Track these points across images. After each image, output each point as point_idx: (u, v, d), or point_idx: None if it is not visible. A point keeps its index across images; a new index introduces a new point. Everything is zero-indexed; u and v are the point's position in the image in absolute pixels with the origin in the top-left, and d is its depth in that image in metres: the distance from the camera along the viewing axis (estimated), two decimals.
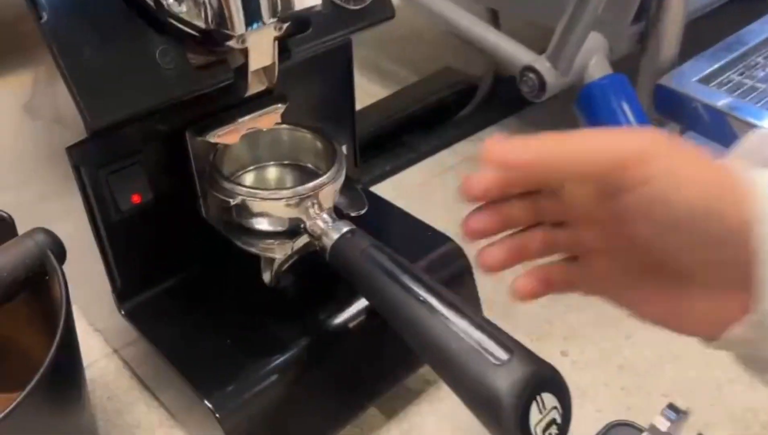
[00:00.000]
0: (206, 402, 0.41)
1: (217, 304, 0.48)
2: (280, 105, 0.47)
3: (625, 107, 0.58)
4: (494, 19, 0.78)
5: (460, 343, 0.31)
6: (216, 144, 0.45)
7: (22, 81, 0.42)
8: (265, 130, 0.45)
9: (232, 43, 0.38)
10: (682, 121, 0.60)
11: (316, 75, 0.51)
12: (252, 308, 0.47)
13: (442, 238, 0.52)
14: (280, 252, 0.44)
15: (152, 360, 0.47)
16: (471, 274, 0.52)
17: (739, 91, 0.58)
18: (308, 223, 0.42)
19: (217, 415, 0.41)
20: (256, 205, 0.42)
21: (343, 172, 0.45)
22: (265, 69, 0.42)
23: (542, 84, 0.56)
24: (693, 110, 0.58)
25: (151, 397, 0.52)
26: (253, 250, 0.44)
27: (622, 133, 0.28)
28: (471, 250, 0.44)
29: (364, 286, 0.38)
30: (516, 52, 0.59)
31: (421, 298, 0.34)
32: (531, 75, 0.57)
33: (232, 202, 0.42)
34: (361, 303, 0.46)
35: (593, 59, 0.58)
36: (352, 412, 0.47)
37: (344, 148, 0.47)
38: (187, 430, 0.49)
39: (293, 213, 0.42)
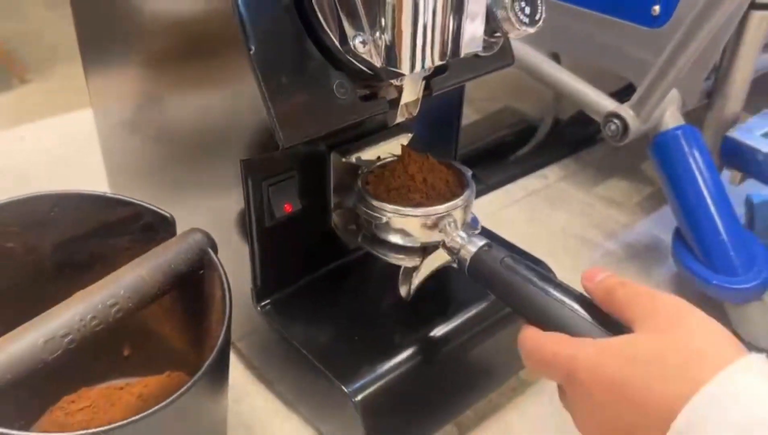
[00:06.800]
0: (344, 388, 0.47)
1: (341, 304, 0.54)
2: (408, 134, 0.54)
3: (696, 154, 0.64)
4: (556, 60, 0.85)
5: (581, 325, 0.39)
6: (357, 165, 0.51)
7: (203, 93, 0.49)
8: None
9: (394, 80, 0.45)
10: (745, 169, 0.67)
11: (432, 110, 0.57)
12: (372, 310, 0.53)
13: (534, 259, 0.59)
14: (410, 262, 0.50)
15: (282, 353, 0.53)
16: None
17: None
18: (447, 240, 0.48)
19: (355, 400, 0.46)
20: (401, 222, 0.48)
21: (474, 195, 0.51)
22: (409, 103, 0.49)
23: (625, 129, 0.63)
24: (756, 162, 0.65)
25: (265, 388, 0.57)
26: (391, 259, 0.50)
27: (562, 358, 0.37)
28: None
29: (503, 291, 0.43)
30: (602, 100, 0.66)
31: (554, 296, 0.40)
32: (615, 120, 0.64)
33: (383, 219, 0.48)
34: (466, 321, 0.53)
35: (668, 111, 0.65)
36: (454, 410, 0.53)
37: (470, 175, 0.52)
38: (304, 418, 0.54)
39: (433, 230, 0.48)
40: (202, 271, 0.50)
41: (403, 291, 0.51)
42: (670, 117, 0.65)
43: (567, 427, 0.41)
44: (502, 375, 0.56)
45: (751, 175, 0.67)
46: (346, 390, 0.47)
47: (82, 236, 0.51)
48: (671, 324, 0.35)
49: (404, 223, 0.48)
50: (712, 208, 0.63)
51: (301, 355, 0.50)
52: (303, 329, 0.52)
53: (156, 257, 0.48)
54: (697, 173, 0.64)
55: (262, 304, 0.53)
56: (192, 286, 0.51)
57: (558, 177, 0.87)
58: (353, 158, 0.52)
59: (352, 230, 0.53)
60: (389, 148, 0.53)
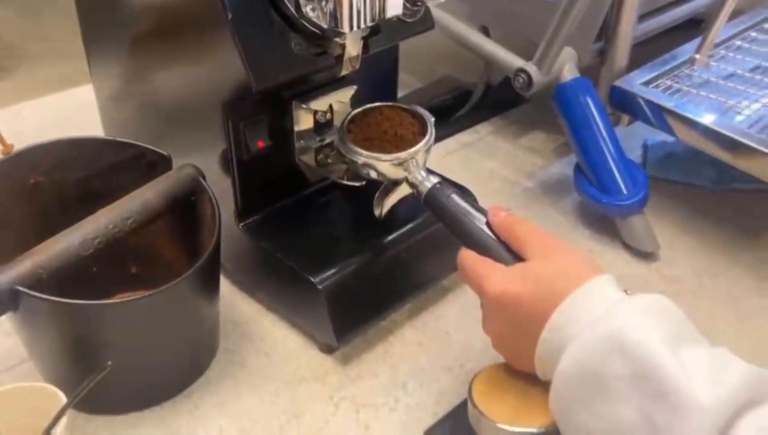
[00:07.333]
0: (312, 279, 0.61)
1: (309, 222, 0.68)
2: (353, 86, 0.68)
3: (589, 101, 0.80)
4: (486, 33, 1.00)
5: (490, 242, 0.54)
6: (314, 110, 0.65)
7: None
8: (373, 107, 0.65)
9: (338, 39, 0.59)
10: (629, 112, 0.83)
11: (372, 68, 0.72)
12: (334, 225, 0.68)
13: (463, 187, 0.73)
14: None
15: (261, 261, 0.67)
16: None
17: (669, 92, 0.81)
18: (410, 177, 0.60)
19: (320, 287, 0.61)
20: (375, 164, 0.60)
21: (432, 140, 0.63)
22: (351, 58, 0.63)
23: (530, 82, 0.78)
24: (638, 105, 0.81)
25: (247, 296, 0.71)
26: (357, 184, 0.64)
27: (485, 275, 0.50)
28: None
29: (448, 220, 0.57)
30: (511, 58, 0.81)
31: (483, 229, 0.55)
32: (522, 75, 0.79)
33: (360, 161, 0.60)
34: (412, 230, 0.67)
35: (566, 66, 0.80)
36: (400, 301, 0.68)
37: (433, 121, 0.64)
38: (280, 315, 0.69)
39: (399, 168, 0.60)
40: (194, 198, 0.64)
41: (377, 212, 0.64)
42: (568, 71, 0.80)
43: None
44: (437, 276, 0.71)
45: (635, 117, 0.83)
46: (313, 280, 0.61)
47: (97, 172, 0.64)
48: (550, 254, 0.49)
49: (377, 165, 0.60)
50: (602, 143, 0.78)
51: (276, 259, 0.64)
52: (277, 240, 0.65)
53: (158, 185, 0.62)
54: (589, 116, 0.79)
55: (243, 223, 0.67)
56: (187, 212, 0.65)
57: (488, 132, 1.01)
58: (311, 105, 0.66)
59: (315, 167, 0.67)
60: (338, 98, 0.67)
